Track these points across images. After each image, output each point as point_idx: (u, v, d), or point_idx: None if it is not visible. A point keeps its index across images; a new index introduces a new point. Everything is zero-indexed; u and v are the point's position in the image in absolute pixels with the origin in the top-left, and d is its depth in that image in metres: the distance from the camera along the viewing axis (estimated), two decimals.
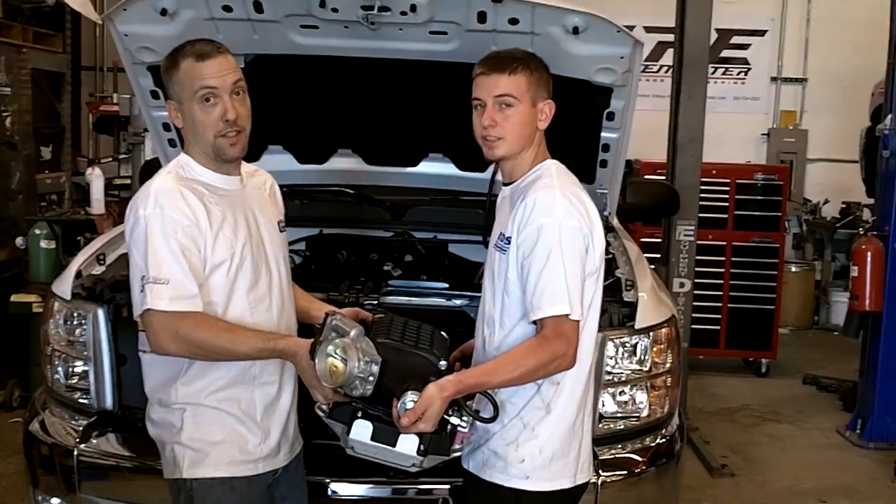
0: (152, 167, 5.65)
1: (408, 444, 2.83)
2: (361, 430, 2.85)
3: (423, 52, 4.15)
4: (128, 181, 9.48)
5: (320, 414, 2.94)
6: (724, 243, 9.18)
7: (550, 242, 2.87)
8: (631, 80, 4.08)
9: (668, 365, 3.94)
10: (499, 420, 2.92)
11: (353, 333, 2.82)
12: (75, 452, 3.77)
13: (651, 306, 3.95)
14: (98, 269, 4.17)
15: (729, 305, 9.24)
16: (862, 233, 7.35)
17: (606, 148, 4.46)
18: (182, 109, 3.02)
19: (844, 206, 11.94)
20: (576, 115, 3.73)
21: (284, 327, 3.16)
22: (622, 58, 3.95)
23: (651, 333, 3.87)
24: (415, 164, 5.08)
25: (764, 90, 13.39)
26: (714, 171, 8.90)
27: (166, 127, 4.66)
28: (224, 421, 3.04)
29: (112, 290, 4.01)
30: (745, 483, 6.42)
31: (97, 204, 8.36)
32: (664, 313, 3.99)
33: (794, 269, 11.18)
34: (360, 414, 2.85)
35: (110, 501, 3.81)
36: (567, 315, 2.85)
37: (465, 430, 2.87)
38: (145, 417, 3.17)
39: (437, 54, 4.14)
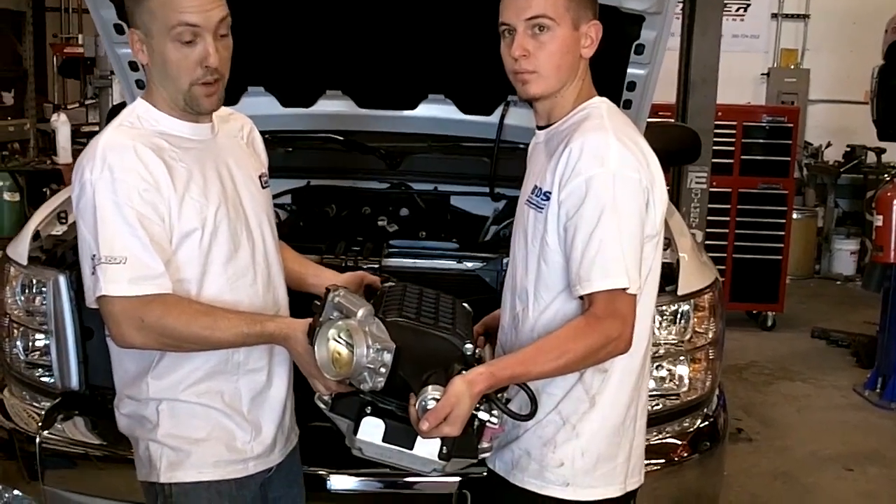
0: (118, 112, 5.18)
1: (427, 447, 2.30)
2: (371, 430, 2.32)
3: None
4: (96, 128, 9.00)
5: (321, 406, 2.44)
6: (730, 190, 8.73)
7: (603, 198, 2.32)
8: (667, 7, 3.54)
9: (710, 335, 3.48)
10: None
11: (360, 314, 2.28)
12: (37, 440, 3.32)
13: (693, 268, 3.48)
14: (59, 229, 3.68)
15: (734, 256, 8.82)
16: (888, 179, 6.89)
17: (632, 86, 3.91)
18: (150, 44, 2.45)
19: (849, 149, 11.51)
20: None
21: (272, 303, 2.66)
22: None
23: (693, 300, 3.41)
24: (413, 107, 4.50)
25: (764, 27, 12.92)
26: (720, 113, 8.33)
27: (133, 66, 4.10)
28: (207, 414, 2.55)
29: (75, 252, 3.51)
30: (765, 448, 6.00)
31: (63, 153, 7.95)
32: (708, 277, 3.53)
33: (795, 215, 10.61)
34: (368, 409, 2.33)
35: (77, 495, 3.35)
36: (624, 289, 2.33)
37: (496, 426, 2.34)
38: (114, 409, 2.67)
39: None
